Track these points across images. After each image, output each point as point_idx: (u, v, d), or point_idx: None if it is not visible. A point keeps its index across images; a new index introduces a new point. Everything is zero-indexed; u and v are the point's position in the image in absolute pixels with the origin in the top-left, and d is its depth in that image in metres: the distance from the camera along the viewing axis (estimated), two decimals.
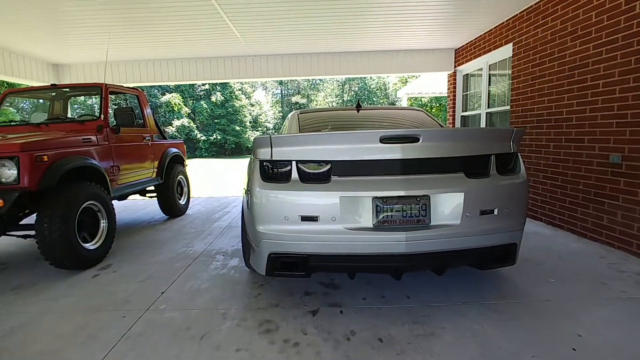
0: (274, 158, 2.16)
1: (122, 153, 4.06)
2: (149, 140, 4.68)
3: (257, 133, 37.98)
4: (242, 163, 21.85)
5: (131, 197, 5.30)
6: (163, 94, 30.55)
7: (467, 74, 7.05)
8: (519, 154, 2.35)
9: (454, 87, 7.34)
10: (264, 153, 2.18)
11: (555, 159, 4.26)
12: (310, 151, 2.11)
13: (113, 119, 4.03)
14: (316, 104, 39.98)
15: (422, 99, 16.09)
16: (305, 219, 2.08)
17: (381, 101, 36.96)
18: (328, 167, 2.12)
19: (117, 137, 3.99)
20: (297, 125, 2.94)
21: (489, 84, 6.15)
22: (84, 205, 3.20)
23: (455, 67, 7.20)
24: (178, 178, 5.35)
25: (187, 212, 5.65)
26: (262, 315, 2.32)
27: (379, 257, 2.08)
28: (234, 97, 34.87)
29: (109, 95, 4.11)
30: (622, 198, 3.38)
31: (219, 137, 32.91)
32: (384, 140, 2.05)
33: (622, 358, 1.81)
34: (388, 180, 2.08)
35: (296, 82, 47.84)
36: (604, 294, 2.50)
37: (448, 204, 2.10)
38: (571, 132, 4.00)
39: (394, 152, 2.06)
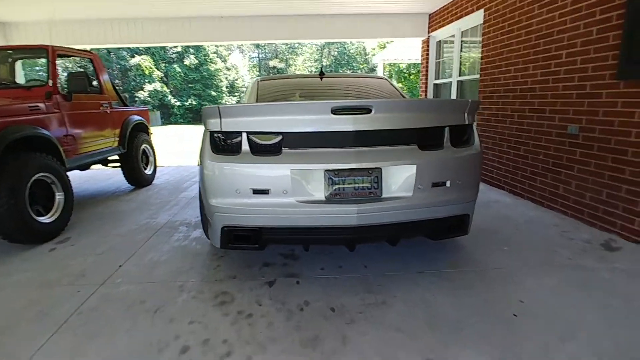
0: (223, 129, 2.08)
1: (76, 121, 3.85)
2: (107, 107, 4.45)
3: (234, 99, 36.94)
4: None
5: (97, 166, 5.11)
6: (132, 56, 28.95)
7: (440, 41, 6.94)
8: (474, 125, 2.36)
9: (427, 54, 7.24)
10: (214, 124, 2.10)
11: (519, 129, 4.33)
12: (261, 122, 2.05)
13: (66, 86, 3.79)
14: (295, 69, 38.96)
15: (400, 65, 15.87)
16: (256, 192, 2.05)
17: (361, 66, 36.33)
18: (279, 138, 2.07)
19: (70, 105, 3.76)
20: (255, 94, 2.84)
21: (461, 51, 6.09)
22: (35, 177, 3.06)
23: (428, 33, 7.06)
24: (142, 147, 5.17)
25: (154, 182, 5.52)
26: (219, 287, 2.33)
27: (332, 230, 2.10)
28: (208, 60, 33.47)
29: (60, 59, 3.83)
30: (577, 168, 3.49)
31: (194, 103, 31.83)
32: (335, 111, 2.00)
33: (558, 323, 1.92)
34: (340, 152, 2.06)
35: (274, 45, 46.16)
36: (552, 261, 2.63)
37: (400, 177, 2.10)
38: (534, 102, 4.05)
39: (346, 123, 2.02)
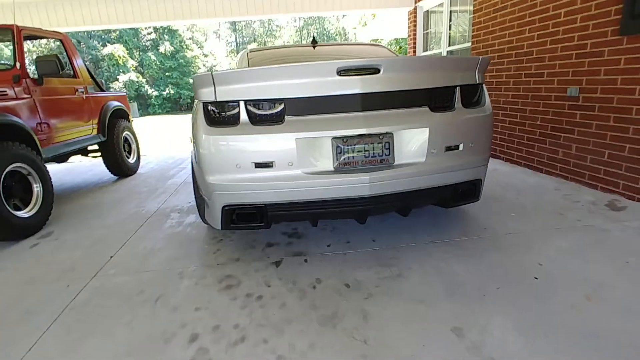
0: (218, 99, 1.89)
1: (50, 108, 3.56)
2: (82, 92, 4.15)
3: None
4: None
5: (75, 158, 4.82)
6: (104, 46, 27.72)
7: (428, 11, 6.76)
8: (484, 85, 2.23)
9: (415, 26, 7.06)
10: (207, 94, 1.91)
11: (514, 96, 4.24)
12: (260, 88, 1.86)
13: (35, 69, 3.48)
14: None
15: (381, 41, 15.65)
16: (259, 165, 1.89)
17: None
18: (281, 105, 1.90)
19: (42, 90, 3.47)
20: (246, 65, 2.63)
21: (450, 20, 5.93)
22: (8, 169, 2.81)
23: (415, 2, 6.86)
24: (124, 134, 4.89)
25: (138, 171, 5.26)
26: (222, 271, 2.18)
27: (342, 202, 1.96)
28: (184, 47, 32.37)
29: (28, 42, 3.51)
30: (577, 131, 3.43)
31: (172, 92, 30.88)
32: (341, 72, 1.83)
33: (580, 283, 1.85)
34: (348, 117, 1.90)
35: (251, 28, 45.00)
36: (561, 224, 2.57)
37: (412, 141, 1.97)
38: (531, 66, 3.95)
39: (353, 85, 1.86)
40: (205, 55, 35.97)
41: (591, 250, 2.17)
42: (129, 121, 5.15)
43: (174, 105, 32.12)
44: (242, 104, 1.89)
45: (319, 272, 2.09)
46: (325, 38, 36.35)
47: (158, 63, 30.29)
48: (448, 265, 2.09)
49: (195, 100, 2.07)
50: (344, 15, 32.12)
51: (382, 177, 1.90)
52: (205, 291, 1.98)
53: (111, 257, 2.48)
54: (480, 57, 2.12)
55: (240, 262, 2.27)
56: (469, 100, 2.15)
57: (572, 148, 3.50)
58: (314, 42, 3.10)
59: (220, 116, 1.94)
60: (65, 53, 4.20)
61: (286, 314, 1.73)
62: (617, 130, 3.04)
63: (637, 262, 2.02)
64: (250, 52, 2.93)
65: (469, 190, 2.23)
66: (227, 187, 1.93)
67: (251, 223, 2.03)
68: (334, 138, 1.89)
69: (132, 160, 5.11)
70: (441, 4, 6.06)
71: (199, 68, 34.24)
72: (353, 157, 1.92)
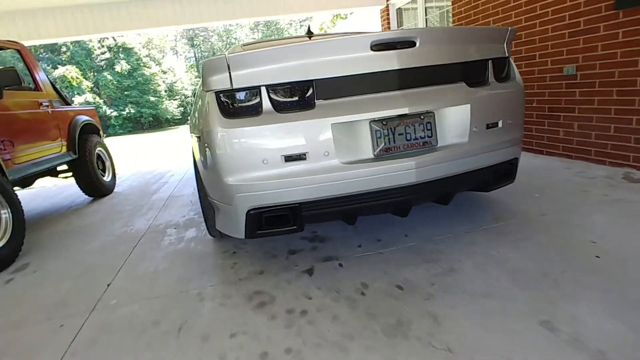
0: (235, 85, 1.63)
1: (12, 123, 3.11)
2: (47, 106, 3.70)
3: (175, 103, 34.97)
4: (164, 136, 20.01)
5: (38, 183, 4.30)
6: (55, 68, 26.24)
7: (401, 8, 6.75)
8: (511, 58, 2.10)
9: (388, 23, 7.03)
10: (221, 81, 1.64)
11: None
12: (284, 70, 1.61)
13: None
14: None
15: None
16: (290, 158, 1.63)
17: None
18: (310, 88, 1.66)
19: (1, 104, 3.02)
20: None
21: (426, 15, 5.92)
22: None
23: (387, 0, 6.84)
24: (97, 151, 4.43)
25: (115, 190, 4.79)
26: (248, 287, 1.89)
27: (384, 193, 1.73)
28: (141, 64, 31.33)
29: None
30: (578, 109, 3.42)
31: (132, 111, 29.69)
32: (375, 46, 1.63)
33: None
34: (385, 97, 1.69)
35: (209, 42, 44.44)
36: (590, 200, 2.48)
37: (454, 120, 1.79)
38: (521, 50, 3.94)
39: (389, 61, 1.66)
40: (164, 72, 34.99)
41: (634, 222, 2.08)
42: (101, 136, 4.70)
43: (136, 125, 30.88)
44: (263, 90, 1.64)
45: (361, 276, 1.85)
46: None
47: (115, 82, 29.07)
48: (499, 253, 1.92)
49: (203, 92, 1.79)
50: (304, 20, 32.26)
51: (428, 161, 1.70)
52: (235, 312, 1.68)
53: (108, 284, 2.11)
54: (509, 27, 1.98)
55: (265, 275, 1.98)
56: (500, 74, 2.01)
57: (574, 126, 3.48)
58: (309, 33, 2.89)
59: (238, 106, 1.68)
60: (24, 64, 3.74)
61: (343, 328, 1.48)
62: (621, 103, 3.03)
63: None
64: (243, 46, 2.67)
65: (508, 171, 2.09)
66: (253, 187, 1.65)
67: (282, 227, 1.76)
68: (372, 121, 1.68)
69: (107, 178, 4.64)
70: (414, 0, 6.04)
71: (159, 85, 33.19)
72: (394, 140, 1.71)
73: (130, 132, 28.63)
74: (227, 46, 39.46)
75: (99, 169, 4.42)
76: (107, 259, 2.50)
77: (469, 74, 1.86)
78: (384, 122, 1.69)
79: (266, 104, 1.64)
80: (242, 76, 1.62)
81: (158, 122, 32.97)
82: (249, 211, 1.71)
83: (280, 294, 1.78)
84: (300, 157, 1.63)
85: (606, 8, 3.03)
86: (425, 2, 5.81)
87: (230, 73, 1.61)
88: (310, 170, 1.64)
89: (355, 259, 2.05)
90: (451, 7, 4.99)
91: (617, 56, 3.01)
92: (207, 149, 1.80)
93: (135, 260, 2.43)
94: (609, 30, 3.04)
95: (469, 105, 1.78)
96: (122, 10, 6.23)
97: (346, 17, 11.41)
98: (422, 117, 1.73)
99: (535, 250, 1.90)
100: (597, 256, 1.78)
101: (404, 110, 1.67)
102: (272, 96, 1.65)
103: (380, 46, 1.63)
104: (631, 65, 2.91)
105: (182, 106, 34.69)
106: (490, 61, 1.94)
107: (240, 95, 1.67)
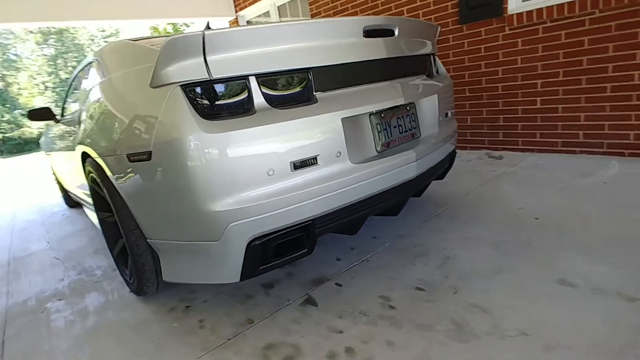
0: (215, 75, 1.19)
1: None
2: None
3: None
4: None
5: None
6: None
7: (251, 21, 6.68)
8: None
9: None
10: (191, 68, 1.17)
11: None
12: (278, 55, 1.27)
13: None
14: (19, 87, 29.98)
15: None
16: (299, 165, 1.30)
17: None
18: (308, 78, 1.37)
19: None
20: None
21: None
22: None
23: (236, 12, 6.66)
24: None
25: None
26: (250, 343, 1.41)
27: (387, 192, 1.59)
28: None
29: None
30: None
31: None
32: (366, 32, 1.48)
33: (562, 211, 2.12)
34: (377, 88, 1.56)
35: None
36: (486, 176, 2.93)
37: (428, 110, 1.81)
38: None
39: (378, 49, 1.54)
40: None
41: (529, 186, 2.55)
42: None
43: None
44: (253, 80, 1.25)
45: (371, 289, 1.64)
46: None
47: None
48: (468, 232, 2.03)
49: (156, 84, 1.24)
50: (110, 36, 28.55)
51: (422, 153, 1.65)
52: None
53: None
54: (438, 25, 2.15)
55: (260, 323, 1.53)
56: (436, 68, 2.15)
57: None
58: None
59: (220, 104, 1.23)
60: None
61: (408, 351, 1.25)
62: (473, 99, 3.75)
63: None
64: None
65: (453, 159, 2.24)
66: (256, 210, 1.24)
67: (292, 253, 1.38)
68: (372, 114, 1.51)
69: None
70: (267, 12, 6.07)
71: None
72: (391, 134, 1.59)
73: None
74: (9, 65, 30.87)
75: None
76: None
77: (425, 66, 1.92)
78: (382, 115, 1.55)
79: (258, 99, 1.26)
80: (224, 61, 1.19)
81: None
82: (251, 242, 1.27)
83: (301, 339, 1.40)
84: (311, 162, 1.32)
85: (452, 23, 3.70)
86: (279, 15, 5.90)
87: (205, 57, 1.17)
88: (323, 177, 1.35)
89: (346, 273, 1.82)
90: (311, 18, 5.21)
91: (465, 61, 3.72)
92: (158, 171, 1.27)
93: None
94: (456, 40, 3.72)
95: (436, 96, 1.83)
96: None
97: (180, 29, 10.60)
98: (408, 108, 1.67)
99: (489, 223, 2.09)
100: (536, 218, 2.09)
101: (400, 101, 1.58)
102: (264, 89, 1.28)
103: (370, 32, 1.49)
104: (476, 69, 3.64)
105: None
106: (431, 55, 2.05)
107: (222, 89, 1.23)
